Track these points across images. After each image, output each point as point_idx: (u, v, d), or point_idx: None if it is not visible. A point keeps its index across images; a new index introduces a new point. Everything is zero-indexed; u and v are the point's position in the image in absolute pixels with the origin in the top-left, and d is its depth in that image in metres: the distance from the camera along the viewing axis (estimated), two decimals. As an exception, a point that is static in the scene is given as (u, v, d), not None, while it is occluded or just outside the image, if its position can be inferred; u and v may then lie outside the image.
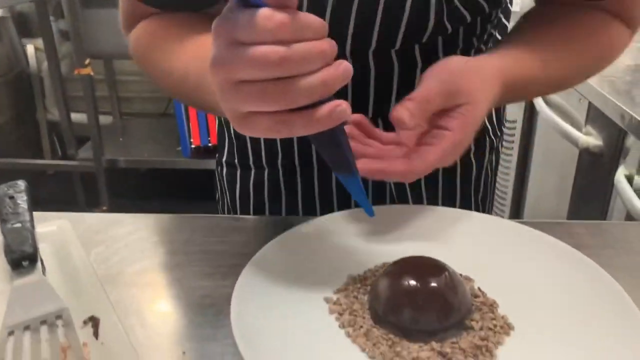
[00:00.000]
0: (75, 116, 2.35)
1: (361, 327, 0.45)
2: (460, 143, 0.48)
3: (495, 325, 0.45)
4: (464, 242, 0.54)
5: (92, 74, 2.13)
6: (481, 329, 0.45)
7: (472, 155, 0.72)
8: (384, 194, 0.70)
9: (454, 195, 0.71)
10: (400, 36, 0.59)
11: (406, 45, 0.61)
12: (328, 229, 0.55)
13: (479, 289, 0.50)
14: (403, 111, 0.46)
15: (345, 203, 0.70)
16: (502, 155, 1.75)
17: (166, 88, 0.62)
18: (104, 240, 0.59)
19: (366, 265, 0.53)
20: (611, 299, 0.46)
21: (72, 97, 2.36)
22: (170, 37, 0.59)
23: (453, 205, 0.70)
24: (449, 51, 0.62)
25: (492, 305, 0.48)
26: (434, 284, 0.45)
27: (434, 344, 0.43)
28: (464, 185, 0.71)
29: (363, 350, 0.43)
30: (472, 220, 0.57)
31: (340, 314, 0.47)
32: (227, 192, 0.76)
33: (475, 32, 0.63)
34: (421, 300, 0.44)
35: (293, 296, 0.48)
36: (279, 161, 0.70)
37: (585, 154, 1.28)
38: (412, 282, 0.45)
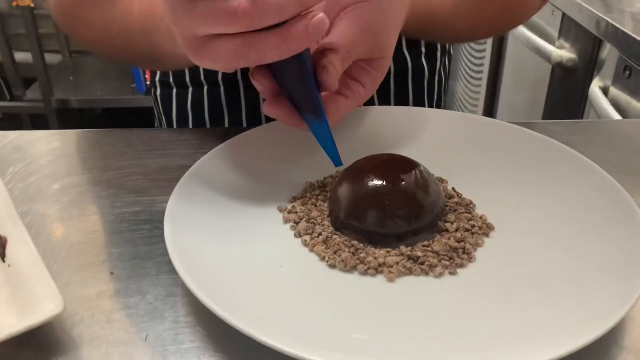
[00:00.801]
0: (22, 55, 2.19)
1: (320, 234, 0.39)
2: (369, 97, 0.44)
3: (473, 226, 0.39)
4: (434, 142, 0.48)
5: (32, 5, 1.96)
6: (457, 230, 0.39)
7: (423, 59, 0.66)
8: None
9: (406, 100, 0.66)
10: None
11: None
12: (281, 135, 0.48)
13: (453, 189, 0.44)
14: (332, 70, 0.39)
15: None
16: (471, 75, 1.68)
17: (105, 49, 0.54)
18: (24, 158, 0.51)
19: (326, 171, 0.46)
20: (600, 191, 0.40)
21: (15, 35, 2.19)
22: None
23: None
24: None
25: (468, 206, 0.42)
26: (402, 182, 0.39)
27: (404, 248, 0.37)
28: (417, 89, 0.66)
29: (322, 259, 0.37)
30: (440, 118, 0.50)
31: (297, 223, 0.41)
32: (164, 115, 0.69)
33: None
34: (388, 200, 0.38)
35: (239, 207, 0.42)
36: (220, 76, 0.63)
37: (559, 68, 1.23)
38: (378, 180, 0.39)
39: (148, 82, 2.08)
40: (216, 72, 0.63)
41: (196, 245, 0.36)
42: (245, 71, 0.62)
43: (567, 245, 0.37)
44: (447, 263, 0.36)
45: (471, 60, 1.71)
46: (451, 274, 0.36)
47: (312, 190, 0.44)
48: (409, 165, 0.40)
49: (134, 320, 0.34)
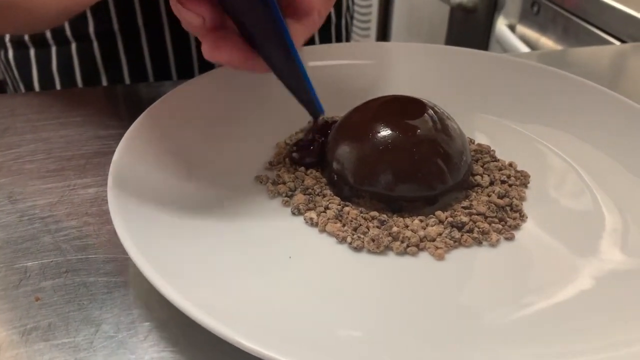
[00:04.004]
0: None
1: (327, 208, 0.29)
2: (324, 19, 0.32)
3: (508, 177, 0.32)
4: (416, 78, 0.40)
5: None
6: (492, 184, 0.31)
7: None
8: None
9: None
10: None
11: None
12: (225, 86, 0.37)
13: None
14: None
15: (206, 70, 0.53)
16: (360, 19, 1.62)
17: None
18: None
19: (295, 125, 0.36)
20: (615, 112, 0.35)
21: None
22: None
23: None
24: None
25: (489, 153, 0.34)
26: (427, 128, 0.30)
27: (441, 214, 0.29)
28: (324, 37, 0.58)
29: (342, 240, 0.28)
30: (414, 52, 0.42)
31: (289, 196, 0.30)
32: (21, 83, 0.55)
33: None
34: (417, 153, 0.29)
35: (204, 184, 0.31)
36: (91, 30, 0.51)
37: (458, 11, 1.20)
38: (396, 128, 0.30)
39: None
40: (86, 25, 0.51)
41: (164, 242, 0.25)
42: (123, 21, 0.50)
43: (612, 178, 0.31)
44: (500, 226, 0.29)
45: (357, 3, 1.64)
46: (507, 239, 0.28)
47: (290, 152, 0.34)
48: (423, 106, 0.31)
49: (92, 369, 0.23)
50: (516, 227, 0.29)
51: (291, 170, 0.32)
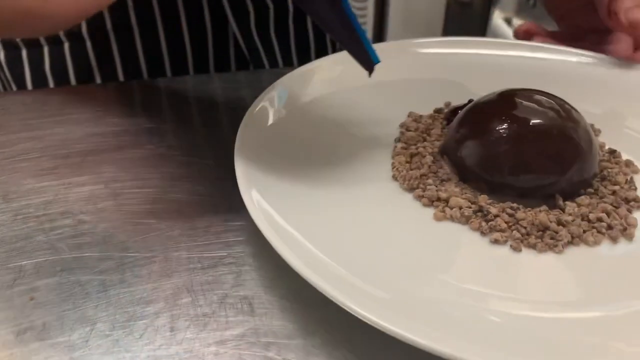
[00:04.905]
0: None
1: (422, 164, 0.30)
2: None
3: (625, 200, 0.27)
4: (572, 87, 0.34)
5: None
6: (613, 194, 0.28)
7: None
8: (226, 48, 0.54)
9: (307, 42, 0.57)
10: None
11: None
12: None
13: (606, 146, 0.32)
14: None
15: (201, 67, 0.52)
16: (354, 13, 1.53)
17: None
18: None
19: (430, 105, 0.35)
20: None
21: None
22: None
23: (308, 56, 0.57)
24: None
25: (628, 167, 0.30)
26: (537, 126, 0.28)
27: (484, 197, 0.28)
28: (318, 30, 0.58)
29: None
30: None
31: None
32: (13, 83, 0.54)
33: None
34: (507, 145, 0.28)
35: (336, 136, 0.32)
36: (83, 29, 0.50)
37: (455, 4, 1.12)
38: (509, 120, 0.28)
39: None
40: (78, 24, 0.50)
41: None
42: (116, 19, 0.50)
43: None
44: (535, 241, 0.26)
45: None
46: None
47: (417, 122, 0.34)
48: (562, 103, 0.29)
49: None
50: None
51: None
